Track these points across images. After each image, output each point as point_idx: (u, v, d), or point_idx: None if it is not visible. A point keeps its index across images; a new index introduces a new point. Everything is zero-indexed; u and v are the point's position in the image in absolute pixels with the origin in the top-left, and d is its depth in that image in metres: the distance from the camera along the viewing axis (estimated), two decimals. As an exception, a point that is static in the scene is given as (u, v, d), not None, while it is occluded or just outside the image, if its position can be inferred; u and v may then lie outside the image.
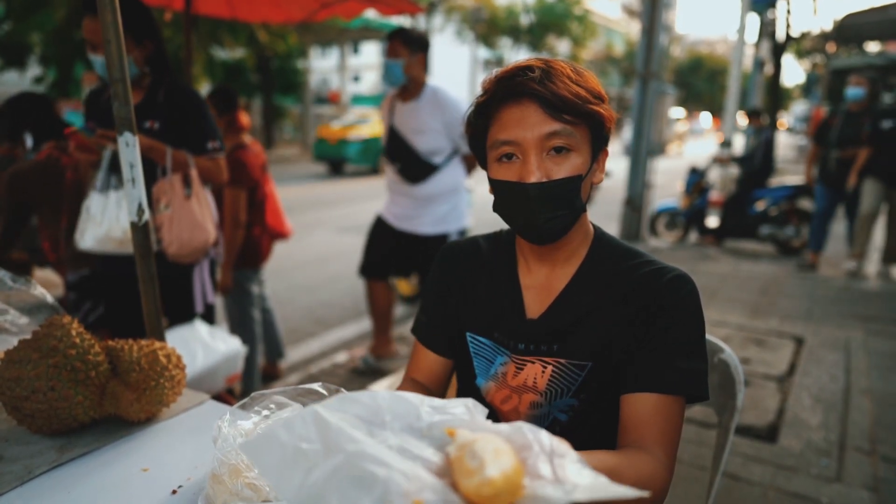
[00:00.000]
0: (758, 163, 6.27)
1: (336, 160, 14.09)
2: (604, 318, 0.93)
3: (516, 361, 0.97)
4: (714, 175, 6.80)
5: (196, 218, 1.94)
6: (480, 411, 0.59)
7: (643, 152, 6.21)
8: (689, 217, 6.57)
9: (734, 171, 6.64)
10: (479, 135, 0.95)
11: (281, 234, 3.09)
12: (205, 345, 1.78)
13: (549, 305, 0.97)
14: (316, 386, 0.87)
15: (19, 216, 2.22)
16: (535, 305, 0.98)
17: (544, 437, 0.55)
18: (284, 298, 4.72)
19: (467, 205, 3.02)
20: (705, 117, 34.03)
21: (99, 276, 2.10)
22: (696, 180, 6.53)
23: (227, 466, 0.78)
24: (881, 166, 5.03)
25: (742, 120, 9.48)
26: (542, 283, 0.99)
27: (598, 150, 0.93)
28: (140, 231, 1.23)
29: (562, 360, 0.93)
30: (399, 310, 4.24)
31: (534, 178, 0.87)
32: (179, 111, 1.96)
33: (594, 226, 1.02)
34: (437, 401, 0.60)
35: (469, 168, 3.00)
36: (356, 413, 0.55)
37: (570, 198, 0.90)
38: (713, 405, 1.24)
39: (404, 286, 4.34)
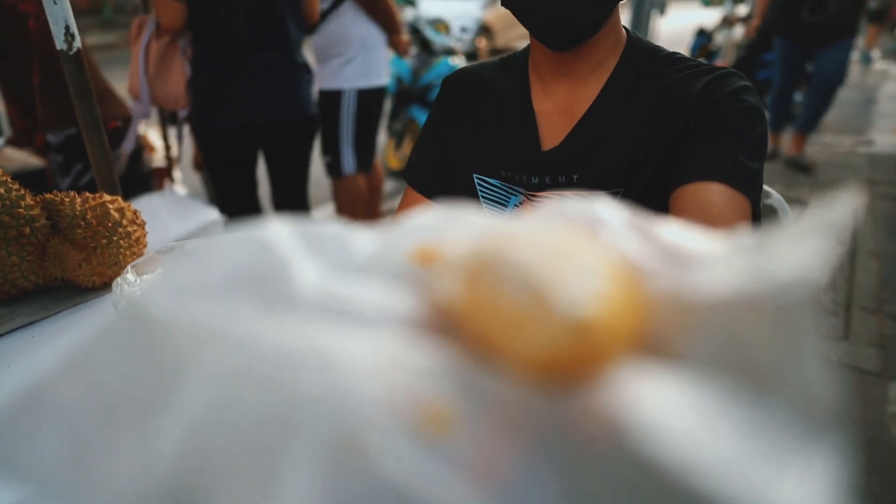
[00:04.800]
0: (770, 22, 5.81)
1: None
2: (633, 134, 0.75)
3: (532, 199, 0.80)
4: (722, 38, 6.33)
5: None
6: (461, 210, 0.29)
7: (646, 8, 5.71)
8: (691, 84, 6.20)
9: (739, 32, 6.17)
10: None
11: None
12: (178, 213, 1.60)
13: (568, 132, 0.78)
14: None
15: None
16: (551, 134, 0.80)
17: (604, 206, 0.27)
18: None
19: (384, 62, 2.44)
20: None
21: None
22: (702, 43, 6.08)
23: None
24: None
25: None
26: (560, 106, 0.80)
27: None
28: (72, 62, 0.99)
29: (585, 192, 0.76)
30: (389, 185, 4.03)
31: None
32: None
33: (627, 30, 0.81)
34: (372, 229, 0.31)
35: (375, 11, 2.30)
36: (216, 276, 0.24)
37: None
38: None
39: (393, 160, 4.08)
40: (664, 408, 0.17)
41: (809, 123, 4.00)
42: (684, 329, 0.20)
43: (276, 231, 0.26)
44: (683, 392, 0.18)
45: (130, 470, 0.20)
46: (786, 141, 4.36)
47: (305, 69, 1.99)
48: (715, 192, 0.66)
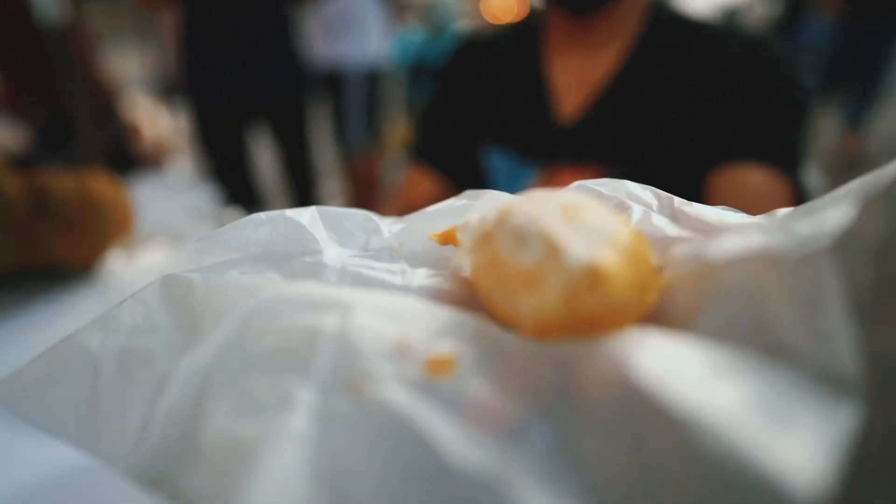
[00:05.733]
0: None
1: None
2: (658, 108, 0.69)
3: (545, 176, 0.74)
4: (756, 17, 6.02)
5: None
6: (490, 196, 0.30)
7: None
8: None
9: (761, 10, 5.87)
10: None
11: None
12: (172, 194, 1.57)
13: (585, 103, 0.72)
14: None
15: None
16: (567, 107, 0.74)
17: (634, 187, 0.28)
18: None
19: (388, 37, 2.49)
20: None
21: None
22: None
23: None
24: None
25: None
26: (576, 75, 0.74)
27: None
28: (56, 37, 0.94)
29: (603, 169, 0.70)
30: (395, 162, 3.95)
31: None
32: None
33: None
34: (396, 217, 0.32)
35: None
36: (245, 253, 0.26)
37: None
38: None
39: (400, 137, 3.96)
40: (673, 361, 0.16)
41: (858, 115, 3.26)
42: (704, 285, 0.20)
43: (306, 215, 0.28)
44: (695, 346, 0.17)
45: (138, 423, 0.21)
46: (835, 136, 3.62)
47: (289, 45, 1.93)
48: (755, 176, 0.61)
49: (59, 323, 0.75)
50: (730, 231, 0.22)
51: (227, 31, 1.80)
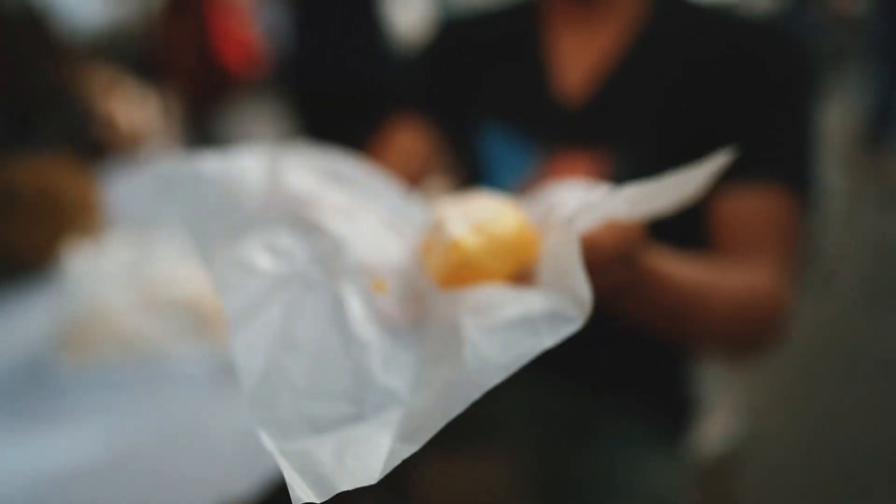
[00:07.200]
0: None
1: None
2: (667, 94, 0.66)
3: (548, 159, 0.72)
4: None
5: None
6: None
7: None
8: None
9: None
10: None
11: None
12: (150, 183, 1.53)
13: (589, 86, 0.69)
14: None
15: None
16: (568, 86, 0.71)
17: (573, 194, 0.37)
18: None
19: None
20: None
21: None
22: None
23: None
24: None
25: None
26: (577, 56, 0.70)
27: None
28: (19, 23, 0.93)
29: (608, 153, 0.67)
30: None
31: None
32: None
33: None
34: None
35: None
36: (319, 169, 0.41)
37: None
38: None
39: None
40: (482, 300, 0.29)
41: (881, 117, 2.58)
42: (544, 253, 0.33)
43: (364, 164, 0.42)
44: (501, 291, 0.30)
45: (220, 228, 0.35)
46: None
47: (379, 28, 1.86)
48: (762, 195, 0.59)
49: (13, 317, 0.73)
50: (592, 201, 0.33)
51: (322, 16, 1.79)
